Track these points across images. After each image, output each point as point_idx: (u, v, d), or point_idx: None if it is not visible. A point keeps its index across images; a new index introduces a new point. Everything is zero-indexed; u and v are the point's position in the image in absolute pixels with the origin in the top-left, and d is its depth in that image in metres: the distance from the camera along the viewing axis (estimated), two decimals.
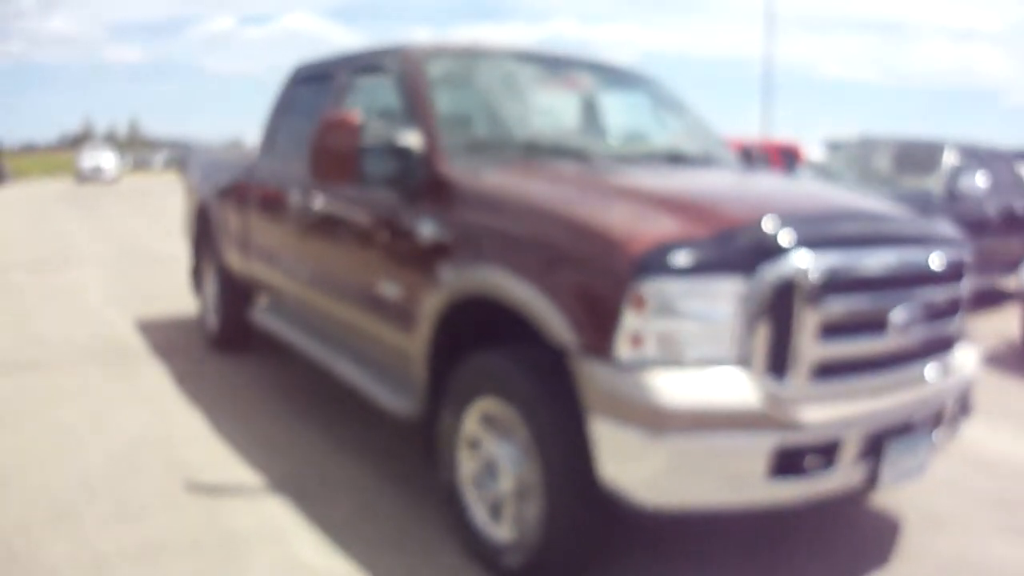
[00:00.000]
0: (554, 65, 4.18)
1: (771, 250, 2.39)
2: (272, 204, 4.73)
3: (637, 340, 2.32)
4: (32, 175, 47.53)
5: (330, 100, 4.23)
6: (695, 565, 2.98)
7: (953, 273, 2.85)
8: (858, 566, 3.00)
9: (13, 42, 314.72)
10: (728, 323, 2.34)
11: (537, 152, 3.46)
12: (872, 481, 2.58)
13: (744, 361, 2.36)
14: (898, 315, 2.58)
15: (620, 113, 4.41)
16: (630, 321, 2.31)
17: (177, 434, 4.14)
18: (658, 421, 2.28)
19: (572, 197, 2.80)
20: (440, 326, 3.02)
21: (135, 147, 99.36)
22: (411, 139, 3.33)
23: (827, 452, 2.45)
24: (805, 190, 3.57)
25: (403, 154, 3.30)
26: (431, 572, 2.87)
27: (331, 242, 4.03)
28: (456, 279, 2.91)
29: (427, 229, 3.12)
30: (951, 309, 2.87)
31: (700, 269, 2.34)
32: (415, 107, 3.50)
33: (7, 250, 11.73)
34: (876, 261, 2.58)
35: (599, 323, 2.37)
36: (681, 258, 2.33)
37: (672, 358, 2.33)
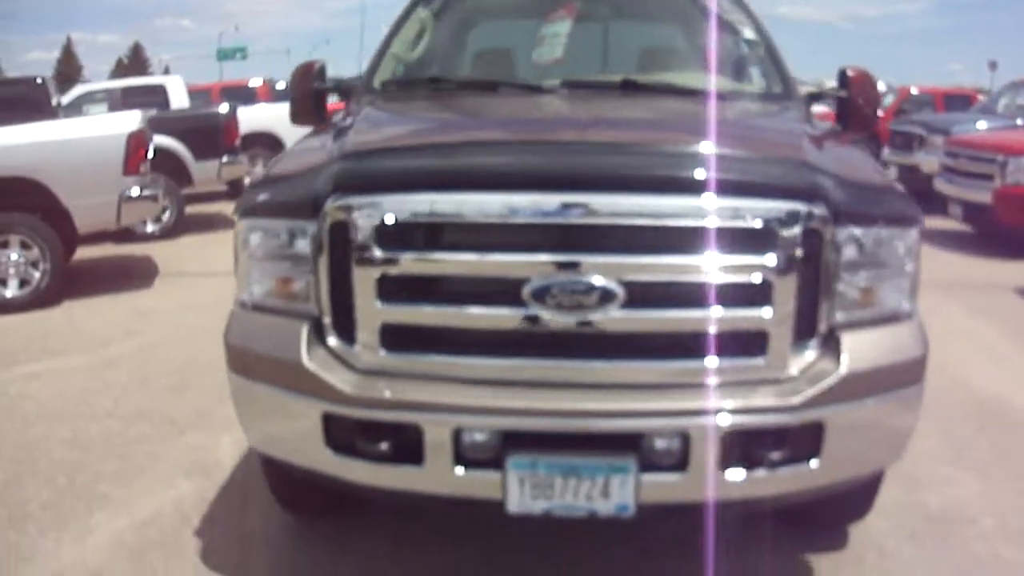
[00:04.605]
0: None
1: (330, 191, 2.12)
2: None
3: (250, 279, 2.33)
4: None
5: None
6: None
7: (756, 239, 1.98)
8: None
9: None
10: (301, 271, 2.17)
11: (449, 87, 3.34)
12: (501, 502, 2.02)
13: (320, 315, 2.18)
14: (556, 284, 1.93)
15: (620, 40, 3.87)
16: (241, 259, 2.34)
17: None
18: (229, 358, 2.36)
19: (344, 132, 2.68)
20: None
21: None
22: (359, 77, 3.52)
23: (403, 441, 2.05)
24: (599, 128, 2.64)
25: (346, 93, 3.47)
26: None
27: None
28: None
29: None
30: (741, 293, 2.00)
31: (275, 211, 2.26)
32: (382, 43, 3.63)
33: None
34: (525, 206, 1.98)
35: None
36: (260, 197, 2.33)
37: (269, 302, 2.29)
